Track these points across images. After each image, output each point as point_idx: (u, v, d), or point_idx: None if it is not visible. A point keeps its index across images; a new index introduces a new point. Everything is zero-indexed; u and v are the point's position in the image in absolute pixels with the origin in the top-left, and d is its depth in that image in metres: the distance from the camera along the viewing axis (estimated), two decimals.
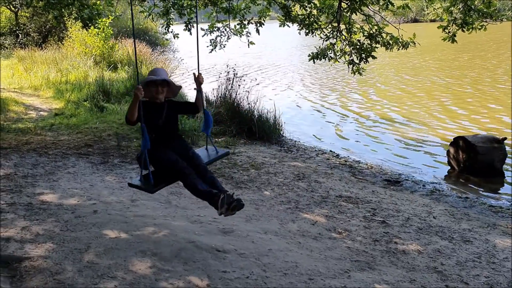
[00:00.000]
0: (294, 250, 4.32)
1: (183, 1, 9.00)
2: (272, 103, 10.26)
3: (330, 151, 9.06)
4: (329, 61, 8.97)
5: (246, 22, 9.27)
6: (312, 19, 8.81)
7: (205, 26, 9.43)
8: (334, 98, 15.00)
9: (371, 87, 16.80)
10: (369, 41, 8.42)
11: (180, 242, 4.15)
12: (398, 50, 8.30)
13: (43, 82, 14.58)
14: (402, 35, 8.19)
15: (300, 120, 12.10)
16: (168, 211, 5.16)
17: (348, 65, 8.85)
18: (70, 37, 19.82)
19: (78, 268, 3.57)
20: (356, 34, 8.62)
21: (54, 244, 3.97)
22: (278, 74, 21.14)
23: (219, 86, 10.56)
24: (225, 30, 9.58)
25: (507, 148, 7.94)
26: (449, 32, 7.68)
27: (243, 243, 4.35)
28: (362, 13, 8.52)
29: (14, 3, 18.00)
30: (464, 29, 7.48)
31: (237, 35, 9.49)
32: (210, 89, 11.02)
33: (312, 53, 8.88)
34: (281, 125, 9.91)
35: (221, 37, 9.60)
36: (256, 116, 9.61)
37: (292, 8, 9.09)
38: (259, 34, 9.04)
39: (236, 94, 10.13)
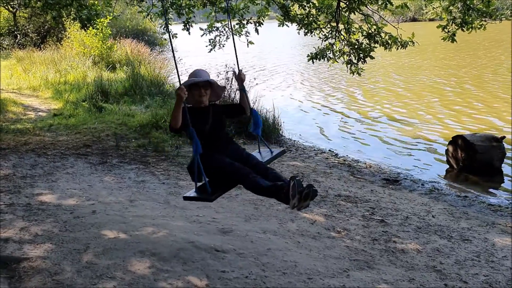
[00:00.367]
0: (293, 250, 4.32)
1: (181, 1, 8.98)
2: (271, 103, 10.26)
3: (329, 150, 9.06)
4: (327, 61, 8.96)
5: (245, 22, 9.26)
6: (311, 18, 8.81)
7: (204, 25, 9.43)
8: (333, 98, 15.00)
9: (370, 86, 16.80)
10: (367, 41, 8.42)
11: (179, 242, 4.15)
12: (397, 49, 8.30)
13: (42, 83, 14.58)
14: (401, 34, 8.19)
15: (299, 119, 12.11)
16: (167, 211, 5.16)
17: (346, 65, 8.85)
18: (68, 37, 19.81)
19: (77, 268, 3.57)
20: (355, 34, 8.62)
21: (52, 245, 3.97)
22: (277, 73, 21.15)
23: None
24: (224, 29, 9.58)
25: (507, 147, 7.94)
26: (448, 31, 7.68)
27: (242, 243, 4.35)
28: (360, 12, 8.53)
29: (12, 3, 17.98)
30: (463, 28, 7.48)
31: (236, 35, 9.48)
32: None
33: (311, 53, 8.88)
34: (280, 125, 9.90)
35: (220, 37, 9.60)
36: None
37: (291, 7, 9.09)
38: (258, 33, 9.03)
39: (235, 94, 10.13)
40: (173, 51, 3.73)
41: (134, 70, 14.52)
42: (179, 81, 3.44)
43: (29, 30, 23.57)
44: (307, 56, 8.91)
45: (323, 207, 5.66)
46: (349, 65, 8.78)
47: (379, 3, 7.97)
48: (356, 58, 8.62)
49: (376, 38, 8.34)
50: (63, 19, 13.13)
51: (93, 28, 17.57)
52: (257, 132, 3.97)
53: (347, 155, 8.78)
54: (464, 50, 25.98)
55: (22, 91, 13.87)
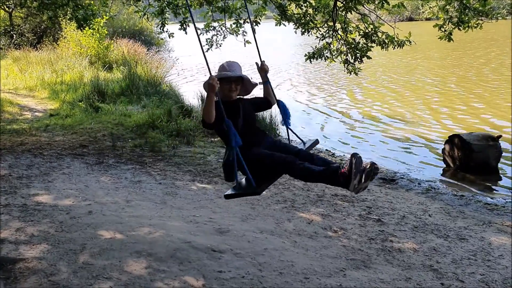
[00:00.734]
0: (290, 249, 4.32)
1: (178, 1, 8.97)
2: None
3: (326, 150, 9.06)
4: (325, 61, 8.97)
5: (242, 21, 9.26)
6: (308, 18, 8.81)
7: (201, 25, 9.41)
8: (330, 97, 15.01)
9: (368, 85, 16.81)
10: (364, 40, 8.43)
11: (175, 242, 4.14)
12: (393, 49, 8.31)
13: (38, 83, 14.54)
14: (397, 34, 8.20)
15: (296, 119, 12.09)
16: (164, 211, 5.15)
17: (344, 65, 8.86)
18: (65, 37, 19.76)
19: (73, 269, 3.56)
20: (352, 33, 8.63)
21: (49, 245, 3.96)
22: (274, 73, 21.14)
23: None
24: (221, 29, 9.57)
25: (503, 145, 7.95)
26: (445, 30, 7.69)
27: (238, 242, 4.34)
28: (357, 12, 8.53)
29: (8, 3, 17.92)
30: (460, 27, 7.50)
31: (233, 34, 9.48)
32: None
33: (308, 53, 8.88)
34: (277, 125, 9.90)
35: (217, 36, 9.59)
36: None
37: (288, 7, 9.09)
38: (255, 33, 9.02)
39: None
40: (199, 41, 3.45)
41: (130, 70, 14.50)
42: (209, 71, 3.21)
43: (25, 30, 23.48)
44: (305, 56, 8.91)
45: (320, 206, 5.66)
46: (346, 65, 8.79)
47: (376, 2, 7.98)
48: (353, 57, 8.63)
49: (373, 38, 8.34)
50: (59, 19, 13.07)
51: (89, 28, 17.53)
52: (288, 123, 3.85)
53: (343, 155, 8.78)
54: (460, 49, 26.03)
55: (18, 91, 13.83)
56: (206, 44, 9.50)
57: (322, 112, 12.87)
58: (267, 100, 3.78)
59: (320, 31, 8.93)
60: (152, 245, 4.06)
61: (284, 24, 9.12)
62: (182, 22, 9.24)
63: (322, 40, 8.88)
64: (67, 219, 4.63)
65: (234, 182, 3.31)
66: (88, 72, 15.61)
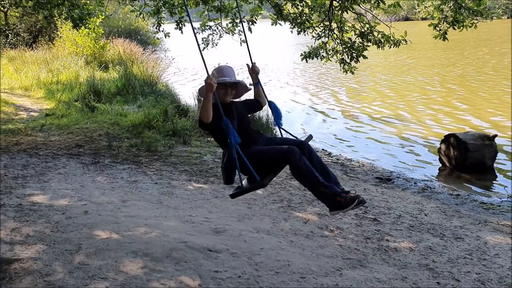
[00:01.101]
0: (286, 249, 4.32)
1: (174, 0, 8.96)
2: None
3: (322, 149, 9.07)
4: (321, 60, 8.97)
5: (238, 21, 9.26)
6: (304, 17, 8.82)
7: (197, 25, 9.40)
8: (326, 97, 15.02)
9: (363, 85, 16.84)
10: (360, 40, 8.44)
11: (171, 242, 4.13)
12: (389, 48, 8.32)
13: (34, 83, 14.48)
14: (393, 33, 8.22)
15: (292, 118, 12.10)
16: (160, 211, 5.14)
17: (340, 64, 8.87)
18: (60, 37, 19.69)
19: (68, 269, 3.54)
20: (347, 32, 8.64)
21: (44, 246, 3.94)
22: (271, 73, 21.14)
23: None
24: (217, 28, 9.56)
25: (500, 144, 7.99)
26: (440, 30, 7.71)
27: (235, 242, 4.34)
28: (353, 11, 8.54)
29: (3, 2, 17.84)
30: (455, 27, 7.52)
31: (229, 34, 9.47)
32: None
33: (304, 52, 8.88)
34: (274, 124, 9.88)
35: (213, 36, 9.58)
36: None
37: (284, 6, 9.09)
38: (251, 32, 9.03)
39: None
40: (197, 42, 3.57)
41: (126, 69, 14.47)
42: (207, 71, 3.25)
43: (20, 29, 23.39)
44: (301, 55, 8.91)
45: (316, 206, 5.66)
46: (342, 64, 8.80)
47: (372, 2, 7.99)
48: (349, 57, 8.64)
49: (368, 37, 8.36)
50: (55, 18, 13.02)
51: (85, 28, 17.48)
52: (279, 123, 3.96)
53: (340, 154, 8.79)
54: (456, 49, 26.10)
55: (13, 91, 13.78)
56: (202, 43, 9.50)
57: (319, 112, 12.88)
58: (258, 102, 3.86)
59: (316, 30, 8.94)
60: (148, 245, 4.05)
61: (280, 24, 9.13)
62: (178, 21, 9.23)
63: (318, 39, 8.89)
64: (63, 219, 4.61)
65: (240, 177, 3.29)
66: (84, 72, 15.56)
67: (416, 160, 8.48)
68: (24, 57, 17.69)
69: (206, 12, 9.24)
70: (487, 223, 5.35)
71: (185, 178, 6.57)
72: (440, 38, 7.75)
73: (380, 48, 8.43)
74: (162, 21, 9.35)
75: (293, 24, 8.96)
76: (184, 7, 8.97)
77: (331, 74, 19.13)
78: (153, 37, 25.69)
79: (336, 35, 8.75)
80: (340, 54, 8.78)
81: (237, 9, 9.02)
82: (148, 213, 5.02)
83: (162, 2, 8.98)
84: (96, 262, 3.67)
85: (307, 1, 8.74)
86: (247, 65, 3.82)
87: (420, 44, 27.71)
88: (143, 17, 9.45)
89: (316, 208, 5.55)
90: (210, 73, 3.28)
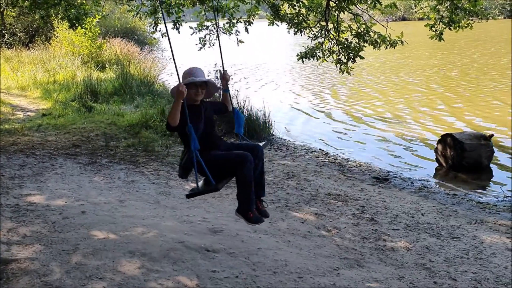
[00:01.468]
0: (283, 249, 4.33)
1: (170, 0, 8.95)
2: (262, 102, 10.26)
3: (319, 149, 9.08)
4: (317, 61, 8.98)
5: (235, 21, 9.26)
6: (300, 18, 8.82)
7: (194, 24, 9.40)
8: (324, 97, 15.04)
9: (360, 85, 16.86)
10: (357, 40, 8.45)
11: (169, 242, 4.13)
12: (386, 48, 8.33)
13: (30, 82, 14.45)
14: (390, 33, 8.23)
15: (289, 118, 12.11)
16: (157, 211, 5.14)
17: (336, 65, 8.87)
18: (57, 36, 19.64)
19: (66, 269, 3.54)
20: (344, 33, 8.64)
21: (41, 246, 3.94)
22: (268, 73, 21.15)
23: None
24: (214, 28, 9.55)
25: (499, 142, 8.02)
26: (436, 30, 7.73)
27: (232, 242, 4.35)
28: (350, 12, 8.54)
29: None
30: (451, 27, 7.54)
31: (226, 34, 9.47)
32: None
33: (300, 52, 8.88)
34: (271, 124, 9.90)
35: (210, 36, 9.57)
36: (246, 115, 9.60)
37: (281, 7, 9.09)
38: (248, 33, 9.04)
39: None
40: (171, 47, 3.72)
41: (123, 69, 14.44)
42: (179, 78, 3.50)
43: (17, 29, 23.30)
44: (297, 56, 8.92)
45: (313, 206, 5.67)
46: (338, 64, 8.80)
47: (368, 2, 7.99)
48: (346, 57, 8.64)
49: (365, 38, 8.36)
50: (51, 18, 12.98)
51: (81, 28, 17.45)
52: (240, 131, 4.15)
53: (337, 154, 8.81)
54: (453, 49, 26.18)
55: (10, 91, 13.74)
56: (199, 43, 9.49)
57: (316, 111, 12.89)
58: (225, 106, 4.12)
59: (313, 31, 8.94)
60: (145, 245, 4.05)
61: (277, 24, 9.13)
62: (175, 21, 9.22)
63: (315, 40, 8.89)
64: (60, 219, 4.61)
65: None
66: (80, 72, 15.53)
67: (413, 160, 8.50)
68: (21, 57, 17.64)
69: (203, 12, 9.24)
70: (483, 223, 5.37)
71: None
72: (436, 39, 7.76)
73: (377, 49, 8.44)
74: (159, 21, 9.34)
75: (290, 24, 8.96)
76: (181, 7, 8.98)
77: (329, 74, 19.14)
78: (150, 37, 25.67)
79: (333, 35, 8.75)
80: (336, 55, 8.79)
81: (233, 9, 9.03)
82: (145, 213, 5.02)
83: (159, 2, 8.96)
84: (94, 262, 3.67)
85: (304, 1, 8.74)
86: (220, 71, 3.99)
87: (417, 43, 27.77)
88: (140, 17, 9.44)
89: (313, 208, 5.57)
90: (182, 78, 3.60)
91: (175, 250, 3.98)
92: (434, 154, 8.22)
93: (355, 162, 8.29)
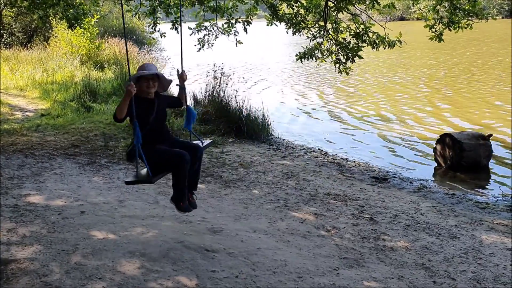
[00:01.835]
0: (283, 249, 4.33)
1: (169, 0, 8.95)
2: (261, 102, 10.26)
3: (318, 149, 9.08)
4: (316, 61, 8.98)
5: (233, 21, 9.25)
6: (299, 18, 8.82)
7: (193, 25, 9.39)
8: (323, 97, 15.05)
9: (359, 85, 16.87)
10: (355, 40, 8.45)
11: (168, 242, 4.14)
12: (384, 49, 8.33)
13: (29, 82, 14.43)
14: (388, 34, 8.23)
15: (288, 118, 12.12)
16: (157, 211, 5.14)
17: (334, 65, 8.88)
18: (56, 36, 19.63)
19: (65, 269, 3.54)
20: (342, 33, 8.65)
21: (41, 246, 3.94)
22: (266, 73, 21.16)
23: (207, 85, 10.54)
24: (213, 29, 9.55)
25: (498, 141, 8.03)
26: (435, 31, 7.73)
27: (232, 242, 4.35)
28: (348, 12, 8.55)
29: None
30: (450, 28, 7.54)
31: (224, 34, 9.47)
32: (198, 88, 11.01)
33: (299, 52, 8.89)
34: (270, 124, 9.90)
35: (208, 36, 9.57)
36: (245, 115, 9.60)
37: (279, 7, 9.09)
38: (247, 33, 9.04)
39: (224, 93, 10.12)
40: (126, 44, 4.23)
41: (122, 69, 14.42)
42: (129, 76, 3.88)
43: (15, 29, 23.28)
44: (296, 56, 8.92)
45: (312, 205, 5.68)
46: (337, 64, 8.81)
47: (367, 2, 7.99)
48: (345, 57, 8.65)
49: (363, 38, 8.37)
50: (50, 18, 12.97)
51: (80, 28, 17.44)
52: (189, 127, 4.43)
53: (336, 154, 8.81)
54: (450, 49, 26.21)
55: (8, 91, 13.72)
56: (198, 44, 9.48)
57: (315, 111, 12.90)
58: (180, 101, 4.35)
59: (311, 31, 8.95)
60: (145, 245, 4.06)
61: (275, 24, 9.13)
62: (174, 21, 9.22)
63: (313, 40, 8.90)
64: (59, 220, 4.61)
65: (137, 169, 3.91)
66: (79, 72, 15.52)
67: (412, 159, 8.51)
68: (19, 57, 17.62)
69: (201, 12, 9.23)
70: (482, 222, 5.38)
71: None
72: (435, 40, 7.76)
73: (375, 49, 8.44)
74: (158, 21, 9.33)
75: (289, 24, 8.96)
76: (179, 7, 8.97)
77: (329, 73, 19.15)
78: (148, 37, 25.63)
79: (331, 35, 8.76)
80: (335, 55, 8.79)
81: (232, 9, 9.03)
82: (145, 213, 5.02)
83: (157, 2, 8.97)
84: (93, 263, 3.67)
85: (303, 1, 8.74)
86: (177, 70, 4.34)
87: (415, 43, 27.80)
88: (138, 17, 9.44)
89: (312, 208, 5.57)
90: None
91: (175, 250, 3.99)
92: (433, 154, 8.22)
93: (354, 162, 8.29)
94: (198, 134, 4.67)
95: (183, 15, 9.30)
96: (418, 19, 8.38)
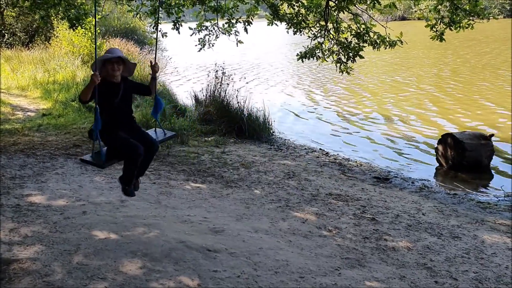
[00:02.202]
0: (284, 249, 4.33)
1: (170, 0, 8.95)
2: (262, 102, 10.26)
3: (320, 149, 9.08)
4: (317, 60, 8.98)
5: (234, 21, 9.25)
6: (300, 18, 8.82)
7: (193, 25, 9.39)
8: (324, 97, 15.05)
9: (361, 85, 16.87)
10: (356, 40, 8.45)
11: (170, 242, 4.14)
12: (385, 49, 8.32)
13: (30, 82, 14.44)
14: (389, 34, 8.22)
15: (290, 118, 12.13)
16: (158, 211, 5.14)
17: (336, 64, 8.87)
18: (57, 36, 19.64)
19: (67, 269, 3.54)
20: (344, 33, 8.64)
21: (43, 246, 3.94)
22: (268, 72, 21.16)
23: (208, 85, 10.54)
24: (214, 29, 9.55)
25: (497, 143, 8.02)
26: (436, 31, 7.73)
27: (233, 242, 4.35)
28: (349, 12, 8.54)
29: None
30: (451, 28, 7.53)
31: (225, 34, 9.46)
32: (199, 88, 11.02)
33: (300, 52, 8.88)
34: (271, 124, 9.91)
35: (209, 36, 9.57)
36: (246, 114, 9.61)
37: (280, 6, 9.09)
38: (247, 33, 9.03)
39: (225, 93, 10.12)
40: (95, 36, 4.29)
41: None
42: (95, 63, 3.99)
43: (17, 29, 23.29)
44: (297, 56, 8.92)
45: (314, 205, 5.67)
46: (338, 64, 8.80)
47: (368, 2, 7.98)
48: (346, 57, 8.64)
49: (364, 38, 8.36)
50: (51, 18, 12.98)
51: (81, 28, 17.43)
52: (155, 116, 4.69)
53: (337, 154, 8.81)
54: (452, 48, 26.18)
55: (10, 91, 13.73)
56: (199, 44, 9.47)
57: (316, 111, 12.90)
58: (148, 89, 4.54)
59: (312, 30, 8.94)
60: (147, 245, 4.06)
61: (276, 24, 9.13)
62: (175, 21, 9.21)
63: (314, 39, 8.89)
64: (61, 220, 4.61)
65: (95, 150, 4.08)
66: (80, 72, 15.51)
67: (413, 159, 8.51)
68: (21, 57, 17.63)
69: (202, 12, 9.23)
70: (484, 222, 5.38)
71: (183, 178, 6.57)
72: (437, 39, 7.76)
73: (376, 49, 8.43)
74: (159, 21, 9.31)
75: (289, 24, 8.96)
76: (181, 7, 8.98)
77: (330, 73, 19.15)
78: (150, 37, 25.66)
79: (332, 35, 8.75)
80: (336, 55, 8.79)
81: (233, 9, 9.02)
82: (146, 213, 5.02)
83: (159, 2, 8.96)
84: (95, 263, 3.68)
85: (303, 1, 8.73)
86: (150, 62, 4.52)
87: (417, 43, 27.77)
88: (139, 17, 9.44)
89: (314, 208, 5.57)
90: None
91: (177, 250, 3.99)
92: (435, 153, 8.22)
93: (356, 162, 8.29)
94: (161, 125, 4.89)
95: (184, 15, 9.34)
96: (419, 18, 8.37)
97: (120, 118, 4.16)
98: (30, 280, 3.36)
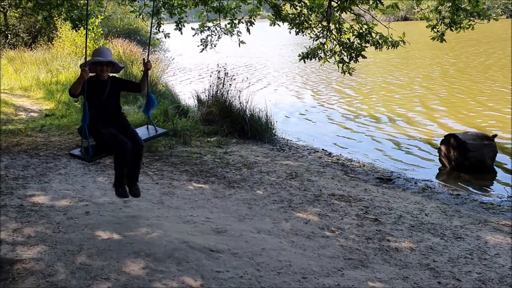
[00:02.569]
0: (287, 249, 4.33)
1: (173, 1, 8.95)
2: (264, 102, 10.26)
3: (322, 149, 9.07)
4: (319, 61, 8.97)
5: (236, 22, 9.25)
6: (302, 18, 8.81)
7: (196, 25, 9.40)
8: (326, 97, 15.03)
9: (363, 85, 16.85)
10: (358, 40, 8.44)
11: (173, 242, 4.15)
12: (387, 49, 8.31)
13: (33, 83, 14.47)
14: (391, 34, 8.21)
15: (292, 118, 12.12)
16: (161, 212, 5.15)
17: (338, 65, 8.86)
18: (60, 37, 19.69)
19: (70, 270, 3.55)
20: (346, 33, 8.64)
21: (46, 246, 3.95)
22: (270, 73, 21.16)
23: (210, 86, 10.55)
24: (216, 29, 9.55)
25: (500, 143, 8.00)
26: (437, 31, 7.72)
27: (236, 242, 4.35)
28: (352, 12, 8.53)
29: (2, 4, 17.82)
30: (452, 28, 7.52)
31: (227, 35, 9.47)
32: (201, 89, 11.03)
33: (302, 53, 8.88)
34: (273, 124, 9.91)
35: (211, 37, 9.57)
36: (248, 115, 9.61)
37: (282, 7, 9.08)
38: (249, 33, 9.04)
39: (227, 94, 10.13)
40: (86, 35, 4.34)
41: (126, 70, 14.45)
42: (86, 60, 4.11)
43: (20, 30, 23.36)
44: (298, 56, 8.92)
45: (317, 206, 5.67)
46: (340, 64, 8.79)
47: (370, 2, 7.98)
48: (348, 57, 8.63)
49: (367, 38, 8.35)
50: (54, 19, 13.01)
51: (84, 29, 17.46)
52: (147, 113, 4.81)
53: (340, 154, 8.80)
54: (453, 48, 26.14)
55: (13, 91, 13.77)
56: (201, 45, 9.48)
57: (319, 112, 12.89)
58: (139, 86, 4.61)
59: (314, 31, 8.94)
60: (150, 245, 4.06)
61: (278, 24, 9.13)
62: (178, 22, 9.22)
63: (316, 40, 8.89)
64: (64, 220, 4.63)
65: (83, 145, 4.24)
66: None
67: (416, 160, 8.49)
68: (24, 58, 17.68)
69: (205, 13, 9.23)
70: (487, 223, 5.37)
71: (186, 178, 6.58)
72: (437, 40, 7.75)
73: (378, 49, 8.42)
74: (162, 22, 9.34)
75: (292, 24, 8.95)
76: (183, 8, 8.98)
77: (334, 73, 19.13)
78: (153, 37, 25.66)
79: (334, 35, 8.74)
80: (338, 55, 8.78)
81: (235, 10, 9.02)
82: (149, 214, 5.03)
83: (162, 2, 8.97)
84: (98, 263, 3.68)
85: (306, 1, 8.73)
86: (143, 59, 4.59)
87: (422, 43, 27.74)
88: (142, 17, 9.45)
89: (316, 209, 5.57)
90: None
91: (179, 250, 3.99)
92: (438, 154, 8.20)
93: (359, 162, 8.28)
94: (153, 121, 5.00)
95: (186, 16, 9.34)
96: (421, 19, 8.36)
97: (108, 113, 4.31)
98: (34, 280, 3.37)
